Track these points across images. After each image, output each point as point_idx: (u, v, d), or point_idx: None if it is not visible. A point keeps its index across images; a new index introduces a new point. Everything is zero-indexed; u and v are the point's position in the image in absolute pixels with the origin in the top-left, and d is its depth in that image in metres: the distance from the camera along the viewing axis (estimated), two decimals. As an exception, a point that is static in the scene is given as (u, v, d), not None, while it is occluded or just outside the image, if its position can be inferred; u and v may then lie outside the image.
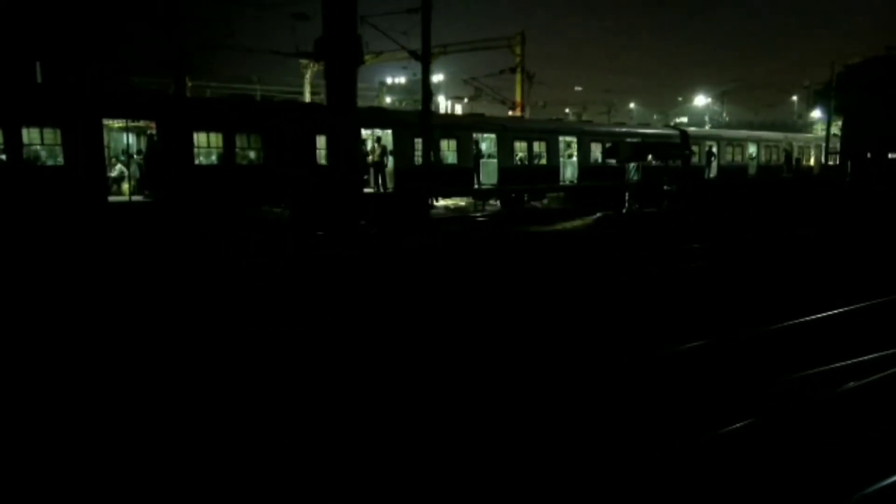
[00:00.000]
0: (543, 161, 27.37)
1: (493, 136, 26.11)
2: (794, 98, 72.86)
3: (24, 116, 15.02)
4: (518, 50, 36.48)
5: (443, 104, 58.05)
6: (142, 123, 17.81)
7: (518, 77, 36.75)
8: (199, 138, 17.58)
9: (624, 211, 27.35)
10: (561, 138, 28.49)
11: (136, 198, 17.41)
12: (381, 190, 22.40)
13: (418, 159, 23.22)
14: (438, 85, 61.40)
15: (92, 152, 15.76)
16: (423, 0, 18.34)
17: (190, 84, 39.47)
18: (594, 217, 24.53)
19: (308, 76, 43.73)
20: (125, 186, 17.79)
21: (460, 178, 24.22)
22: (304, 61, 40.41)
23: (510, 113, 37.21)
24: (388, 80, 63.65)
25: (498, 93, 38.21)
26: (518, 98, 37.59)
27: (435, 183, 23.30)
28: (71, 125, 15.41)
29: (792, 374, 6.98)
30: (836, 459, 5.23)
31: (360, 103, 21.54)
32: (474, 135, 25.25)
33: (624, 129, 32.93)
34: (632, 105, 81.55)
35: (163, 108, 17.08)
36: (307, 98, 43.15)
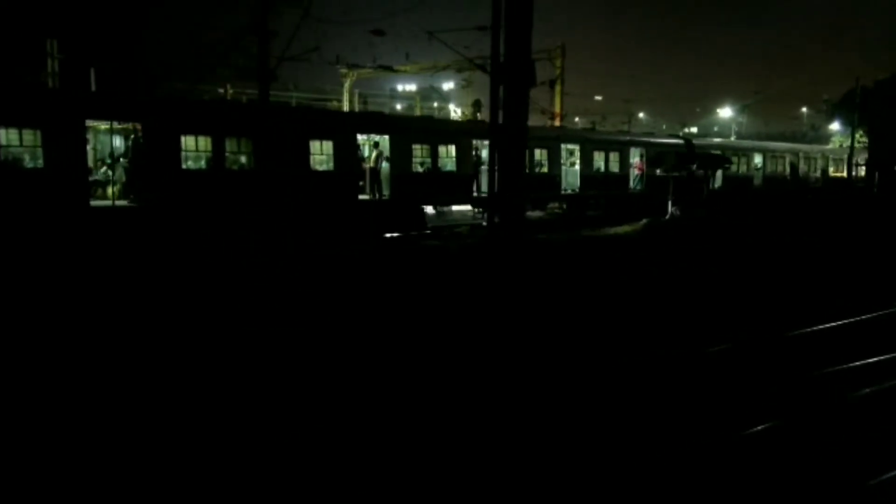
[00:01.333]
0: (545, 169, 26.73)
1: (492, 142, 25.49)
2: (804, 110, 73.91)
3: (2, 116, 14.40)
4: (558, 62, 37.92)
5: (454, 112, 58.18)
6: (129, 125, 17.22)
7: (558, 88, 38.25)
8: (187, 141, 16.95)
9: (667, 217, 27.20)
10: (563, 146, 27.85)
11: (121, 202, 16.80)
12: (377, 196, 21.77)
13: (417, 166, 22.66)
14: (450, 92, 61.67)
15: (73, 154, 15.13)
16: (493, 19, 19.57)
17: (231, 91, 40.06)
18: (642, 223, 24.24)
19: (347, 85, 44.39)
20: (110, 190, 17.19)
21: (458, 185, 23.59)
22: (343, 70, 41.04)
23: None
24: (399, 88, 64.34)
25: (535, 103, 39.14)
26: (557, 108, 39.01)
27: (432, 190, 22.71)
28: (52, 126, 14.79)
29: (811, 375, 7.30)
30: (853, 456, 5.52)
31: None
32: (474, 141, 24.63)
33: (627, 138, 32.29)
34: (641, 115, 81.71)
35: (149, 110, 16.46)
36: (346, 106, 43.73)
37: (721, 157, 33.20)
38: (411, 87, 61.58)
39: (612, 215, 26.46)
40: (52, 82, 27.03)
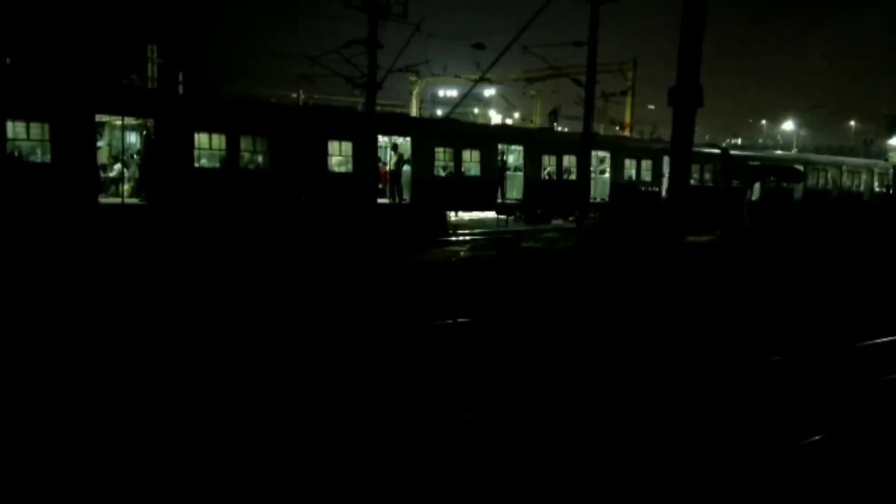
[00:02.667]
0: (573, 176, 25.80)
1: (520, 148, 24.68)
2: (852, 123, 73.51)
3: (10, 109, 14.05)
4: (630, 75, 39.23)
5: (495, 118, 58.83)
6: (143, 122, 16.81)
7: (629, 100, 39.79)
8: (201, 139, 16.48)
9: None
10: (593, 153, 26.87)
11: (132, 200, 16.39)
12: (397, 201, 21.11)
13: (439, 170, 21.96)
14: (490, 99, 62.32)
15: (82, 150, 14.74)
16: (590, 33, 22.48)
17: (304, 96, 43.82)
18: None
19: (416, 91, 47.14)
20: (123, 188, 16.80)
21: (483, 190, 22.79)
22: (413, 78, 43.96)
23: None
24: (441, 94, 65.53)
25: (605, 114, 43.58)
26: (627, 119, 40.83)
27: (455, 195, 21.95)
28: (60, 120, 14.40)
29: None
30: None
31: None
32: (500, 146, 23.84)
33: (660, 146, 31.15)
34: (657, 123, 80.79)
35: (162, 106, 16.01)
36: (414, 112, 46.04)
37: (796, 171, 33.03)
38: (452, 93, 62.72)
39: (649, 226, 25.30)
40: (150, 84, 28.64)
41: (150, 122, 16.05)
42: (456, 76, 41.79)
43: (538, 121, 46.93)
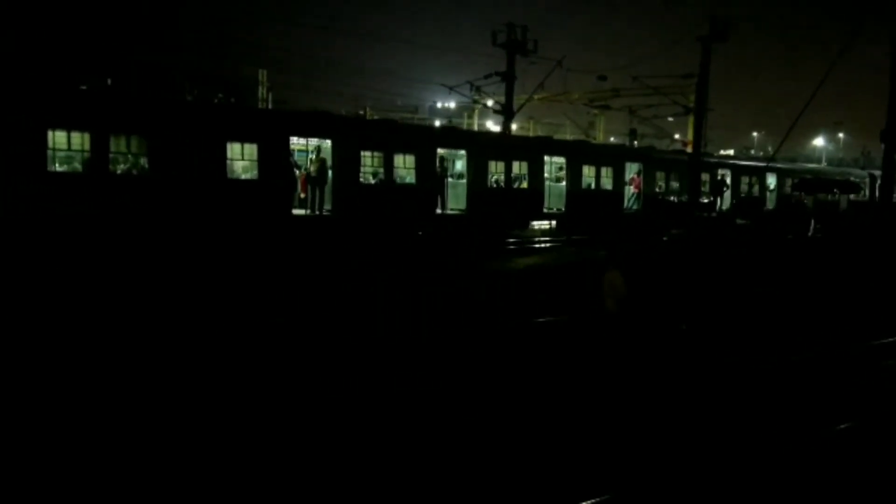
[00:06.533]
0: (525, 184, 23.30)
1: (462, 153, 22.16)
2: (840, 136, 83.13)
3: None
4: (692, 97, 38.27)
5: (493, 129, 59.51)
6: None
7: (691, 119, 39.37)
8: (56, 138, 13.68)
9: (809, 234, 27.54)
10: (547, 159, 24.46)
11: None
12: (317, 212, 18.41)
13: (367, 177, 19.33)
14: (488, 109, 62.54)
15: None
16: (701, 68, 26.13)
17: (370, 113, 46.19)
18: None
19: (477, 109, 47.86)
20: None
21: (419, 200, 20.14)
22: (476, 97, 44.30)
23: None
24: (438, 105, 64.41)
25: (662, 129, 44.51)
26: (690, 137, 40.84)
27: (385, 205, 19.28)
28: None
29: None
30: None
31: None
32: (439, 151, 21.26)
33: (622, 151, 28.87)
34: (676, 136, 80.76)
35: (4, 99, 13.18)
36: (475, 126, 49.23)
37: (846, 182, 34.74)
38: (450, 104, 63.21)
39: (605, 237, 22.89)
40: (261, 105, 30.57)
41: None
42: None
43: (601, 137, 50.62)
